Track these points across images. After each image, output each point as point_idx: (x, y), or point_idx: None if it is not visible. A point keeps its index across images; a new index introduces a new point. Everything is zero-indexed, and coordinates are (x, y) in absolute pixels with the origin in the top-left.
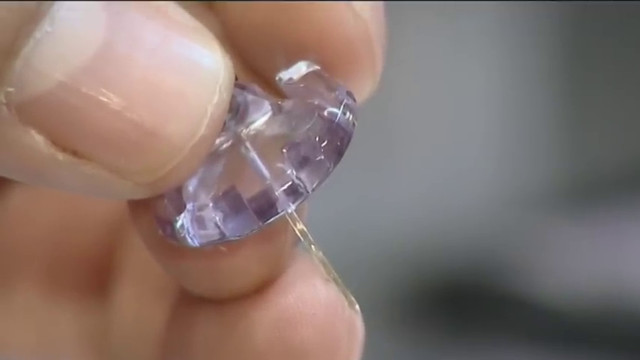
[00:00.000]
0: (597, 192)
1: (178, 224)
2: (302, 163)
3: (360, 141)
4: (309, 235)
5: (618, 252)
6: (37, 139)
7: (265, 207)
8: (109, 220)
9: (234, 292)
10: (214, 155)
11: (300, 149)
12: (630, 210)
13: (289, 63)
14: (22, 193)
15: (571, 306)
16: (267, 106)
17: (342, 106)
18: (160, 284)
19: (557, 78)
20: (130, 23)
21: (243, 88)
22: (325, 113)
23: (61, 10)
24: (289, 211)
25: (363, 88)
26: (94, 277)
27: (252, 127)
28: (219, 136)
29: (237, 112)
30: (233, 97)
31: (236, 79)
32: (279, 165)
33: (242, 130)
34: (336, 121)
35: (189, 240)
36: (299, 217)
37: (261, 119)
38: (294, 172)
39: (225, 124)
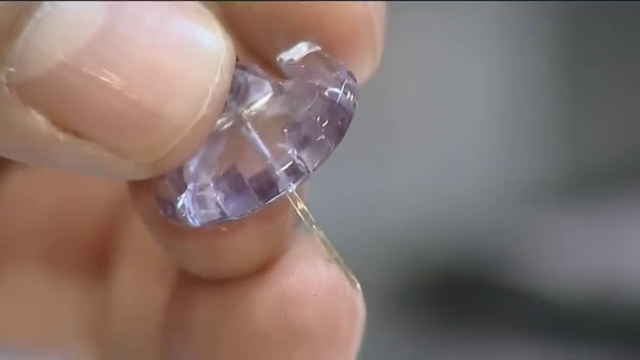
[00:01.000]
0: (594, 184)
1: (179, 204)
2: (303, 143)
3: (360, 131)
4: (310, 215)
5: (615, 244)
6: (38, 119)
7: (266, 187)
8: (109, 201)
9: (235, 273)
10: (215, 135)
11: (301, 129)
12: (627, 202)
13: (290, 44)
14: (22, 176)
15: (568, 297)
16: (268, 86)
17: (343, 86)
18: (160, 265)
19: (555, 71)
20: (131, 4)
21: (244, 68)
22: (326, 93)
23: None
24: (290, 190)
25: (364, 69)
26: (94, 259)
27: (253, 107)
28: (220, 116)
29: (238, 92)
30: (234, 77)
31: (237, 59)
32: (280, 145)
33: (243, 111)
34: (337, 101)
35: (190, 220)
36: (300, 197)
37: (262, 100)
38: (295, 152)
39: (226, 104)
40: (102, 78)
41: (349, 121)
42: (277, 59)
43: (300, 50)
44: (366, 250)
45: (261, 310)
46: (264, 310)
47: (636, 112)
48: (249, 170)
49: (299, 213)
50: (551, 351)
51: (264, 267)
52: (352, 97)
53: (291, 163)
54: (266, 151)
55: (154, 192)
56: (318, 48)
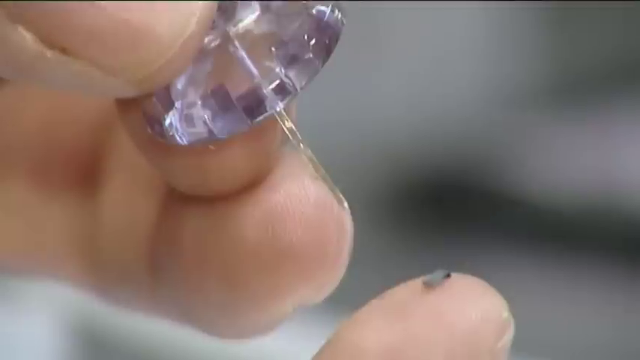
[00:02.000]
0: (585, 89)
1: (167, 122)
2: (291, 61)
3: (346, 40)
4: (298, 134)
5: (606, 150)
6: (26, 37)
7: (254, 105)
8: (98, 118)
9: (223, 191)
10: (203, 54)
11: (288, 48)
12: (619, 107)
13: None
14: (10, 92)
15: (559, 204)
16: (255, 5)
17: (330, 4)
18: (148, 183)
19: None
20: None
21: None
22: (314, 12)
23: None
24: (278, 109)
25: None
26: (83, 176)
27: (241, 25)
28: (207, 34)
29: (225, 10)
30: None
31: None
32: (268, 63)
33: (231, 29)
34: (325, 19)
35: (178, 138)
36: (287, 115)
37: (249, 18)
38: (283, 71)
39: (213, 22)
40: None
41: (337, 40)
42: None
43: None
44: (354, 160)
45: (248, 227)
46: (252, 227)
47: (626, 14)
48: (237, 89)
49: (287, 131)
50: (540, 258)
51: (251, 185)
52: (340, 15)
53: (278, 81)
54: (254, 70)
55: (142, 110)
56: None
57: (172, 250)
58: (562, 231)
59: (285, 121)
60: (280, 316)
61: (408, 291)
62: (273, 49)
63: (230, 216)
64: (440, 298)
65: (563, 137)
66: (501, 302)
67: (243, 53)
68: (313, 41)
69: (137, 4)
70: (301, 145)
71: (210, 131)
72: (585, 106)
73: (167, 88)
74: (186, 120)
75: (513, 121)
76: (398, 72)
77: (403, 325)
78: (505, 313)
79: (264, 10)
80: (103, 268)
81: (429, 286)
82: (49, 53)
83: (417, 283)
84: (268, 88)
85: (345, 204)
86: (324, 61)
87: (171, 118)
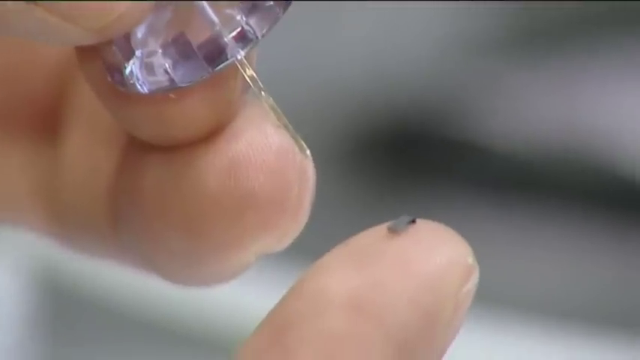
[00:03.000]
0: (549, 36)
1: (127, 71)
2: (251, 9)
3: None
4: (259, 82)
5: (572, 96)
6: None
7: (215, 53)
8: (58, 69)
9: (184, 140)
10: (163, 2)
11: None
12: (583, 54)
13: None
14: None
15: (522, 152)
16: None
17: None
18: (109, 132)
19: None
20: None
21: None
22: None
23: None
24: (239, 57)
25: None
26: (43, 125)
27: None
28: None
29: None
30: None
31: None
32: (229, 11)
33: None
34: None
35: (139, 87)
36: (249, 63)
37: None
38: (244, 18)
39: None
40: None
41: None
42: None
43: None
44: (316, 109)
45: (210, 176)
46: (214, 175)
47: None
48: (197, 37)
49: (248, 79)
50: (506, 206)
51: (213, 134)
52: None
53: (239, 29)
54: (214, 18)
55: (102, 58)
56: None
57: (133, 200)
58: (527, 179)
59: (247, 69)
60: (242, 264)
61: (373, 237)
62: None
63: (191, 165)
64: (405, 243)
65: (528, 85)
66: (466, 248)
67: (203, 1)
68: None
69: None
70: (263, 93)
71: (171, 79)
72: (549, 53)
73: (127, 37)
74: (146, 68)
75: (478, 69)
76: (361, 19)
77: (368, 271)
78: (470, 259)
79: None
80: (65, 217)
81: (393, 231)
82: (9, 2)
83: (381, 229)
84: (229, 36)
85: (308, 152)
86: (285, 9)
87: (131, 67)
